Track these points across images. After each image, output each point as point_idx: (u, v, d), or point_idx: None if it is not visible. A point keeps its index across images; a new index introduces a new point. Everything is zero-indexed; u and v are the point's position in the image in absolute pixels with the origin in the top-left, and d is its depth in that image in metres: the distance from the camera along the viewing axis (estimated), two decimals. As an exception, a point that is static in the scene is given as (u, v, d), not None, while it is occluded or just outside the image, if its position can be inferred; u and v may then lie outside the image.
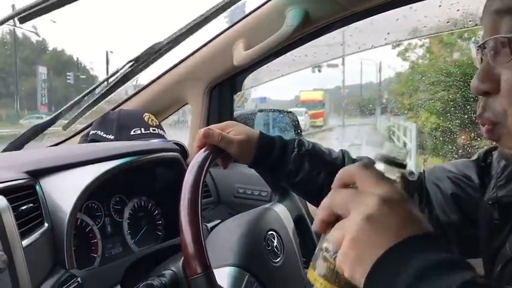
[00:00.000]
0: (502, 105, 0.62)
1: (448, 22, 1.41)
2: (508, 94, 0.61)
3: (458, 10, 1.36)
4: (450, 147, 4.84)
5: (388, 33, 1.46)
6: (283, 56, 1.50)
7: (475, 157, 0.89)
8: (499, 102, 0.62)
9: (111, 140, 1.40)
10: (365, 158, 0.97)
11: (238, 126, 0.93)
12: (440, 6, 1.34)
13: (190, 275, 0.73)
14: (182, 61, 1.55)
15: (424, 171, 0.95)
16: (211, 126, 0.90)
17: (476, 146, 4.41)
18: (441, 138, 5.09)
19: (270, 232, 0.97)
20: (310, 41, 1.40)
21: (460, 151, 4.63)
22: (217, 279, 0.74)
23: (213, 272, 0.73)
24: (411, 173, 0.96)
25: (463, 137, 4.71)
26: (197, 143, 0.89)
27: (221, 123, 0.93)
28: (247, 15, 1.40)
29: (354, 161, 0.95)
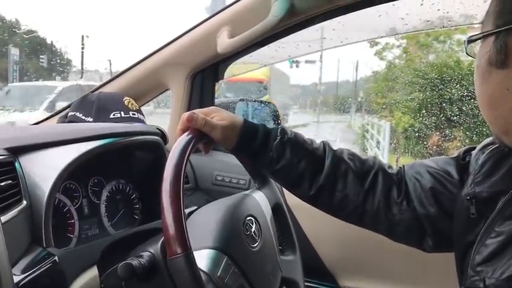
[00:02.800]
0: None
1: (428, 21, 1.44)
2: None
3: (438, 10, 1.39)
4: (422, 147, 4.94)
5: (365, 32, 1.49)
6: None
7: (455, 155, 0.93)
8: None
9: (90, 123, 1.39)
10: (345, 150, 0.99)
11: (222, 112, 0.94)
12: (421, 5, 1.37)
13: (170, 256, 0.73)
14: (165, 46, 1.54)
15: (403, 166, 0.98)
16: (196, 111, 0.90)
17: (448, 147, 4.51)
18: (413, 138, 5.19)
19: (248, 217, 0.98)
20: (294, 32, 1.41)
21: (431, 151, 4.73)
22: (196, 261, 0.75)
23: (192, 253, 0.74)
24: (389, 166, 0.98)
25: (434, 137, 4.81)
26: (180, 126, 0.89)
27: (205, 108, 0.93)
28: (233, 3, 1.40)
29: (334, 151, 0.97)
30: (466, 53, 0.77)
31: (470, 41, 0.75)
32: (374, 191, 0.94)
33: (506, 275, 0.63)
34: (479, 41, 0.74)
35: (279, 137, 0.93)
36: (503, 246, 0.67)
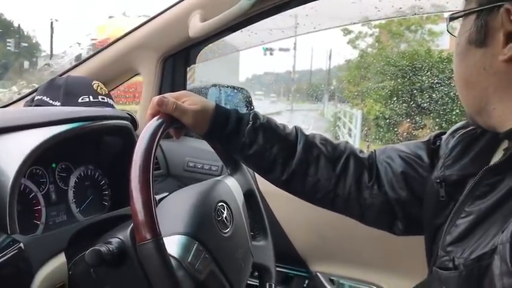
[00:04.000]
0: None
1: (400, 8, 1.45)
2: None
3: (410, -3, 1.40)
4: (392, 134, 5.01)
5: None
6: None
7: (425, 139, 0.94)
8: None
9: (58, 106, 1.35)
10: (317, 135, 1.00)
11: (193, 96, 0.92)
12: (394, -8, 1.38)
13: (139, 242, 0.72)
14: (135, 29, 1.51)
15: (374, 150, 0.99)
16: (166, 95, 0.88)
17: (418, 135, 4.59)
18: (385, 126, 5.26)
19: (220, 203, 0.97)
20: (267, 17, 1.40)
21: (401, 138, 4.81)
22: (166, 247, 0.74)
23: (162, 238, 0.73)
24: (361, 151, 0.99)
25: (405, 125, 4.89)
26: (150, 111, 0.88)
27: (176, 92, 0.92)
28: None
29: (306, 136, 0.97)
30: (447, 31, 0.77)
31: (452, 18, 0.75)
32: (345, 175, 0.94)
33: (475, 254, 0.64)
34: (460, 19, 0.75)
35: (251, 122, 0.92)
36: (473, 226, 0.68)
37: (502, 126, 0.71)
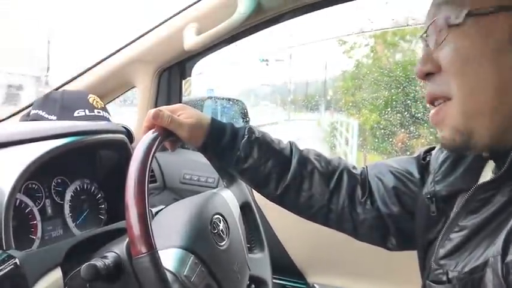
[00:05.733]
0: (445, 80, 0.68)
1: (392, 19, 1.47)
2: (449, 69, 0.67)
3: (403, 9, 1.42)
4: (388, 145, 5.00)
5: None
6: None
7: (416, 154, 0.94)
8: (442, 78, 0.68)
9: (53, 121, 1.35)
10: (311, 150, 1.00)
11: (189, 109, 0.92)
12: (387, 3, 1.40)
13: (135, 256, 0.72)
14: (131, 43, 1.52)
15: (366, 166, 0.99)
16: (162, 108, 0.89)
17: (412, 145, 4.59)
18: (380, 136, 5.25)
19: (216, 216, 0.97)
20: (262, 29, 1.41)
21: (397, 149, 4.80)
22: (162, 261, 0.74)
23: (158, 252, 0.73)
24: (354, 167, 0.99)
25: (400, 135, 4.89)
26: (146, 124, 0.88)
27: (172, 105, 0.92)
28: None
29: (300, 151, 0.97)
30: (427, 31, 0.71)
31: (475, 14, 0.65)
32: (339, 190, 0.94)
33: (469, 268, 0.64)
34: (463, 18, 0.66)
35: (246, 136, 0.93)
36: (466, 240, 0.68)
37: None
